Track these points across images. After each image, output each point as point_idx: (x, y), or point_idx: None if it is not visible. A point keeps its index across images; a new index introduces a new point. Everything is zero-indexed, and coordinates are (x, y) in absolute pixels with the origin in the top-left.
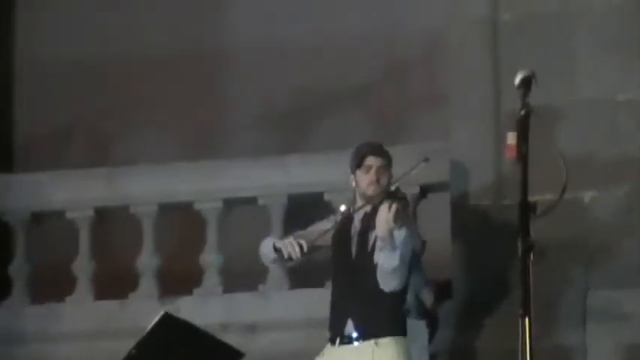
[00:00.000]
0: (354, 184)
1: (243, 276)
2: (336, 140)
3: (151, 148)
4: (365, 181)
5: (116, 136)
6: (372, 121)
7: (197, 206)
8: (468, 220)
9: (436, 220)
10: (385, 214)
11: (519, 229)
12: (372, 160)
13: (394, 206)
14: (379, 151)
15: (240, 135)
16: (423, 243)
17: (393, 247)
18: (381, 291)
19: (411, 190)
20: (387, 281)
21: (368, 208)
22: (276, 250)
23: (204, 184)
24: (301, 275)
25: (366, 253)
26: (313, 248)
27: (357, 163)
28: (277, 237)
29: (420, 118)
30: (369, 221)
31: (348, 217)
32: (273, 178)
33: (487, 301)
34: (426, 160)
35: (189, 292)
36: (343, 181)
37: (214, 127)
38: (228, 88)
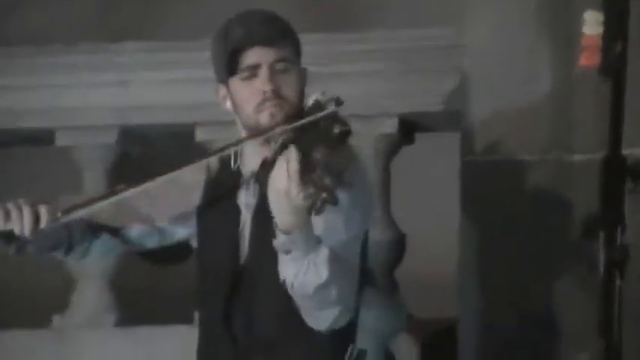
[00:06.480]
0: (227, 104)
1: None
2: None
3: None
4: (251, 98)
5: None
6: None
7: None
8: (493, 191)
9: (433, 184)
10: (284, 173)
11: (601, 216)
12: (257, 55)
13: (294, 153)
14: (270, 30)
15: None
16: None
17: (311, 244)
18: (308, 329)
19: (377, 124)
20: (311, 312)
21: (267, 153)
22: None
23: None
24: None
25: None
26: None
27: (229, 64)
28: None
29: None
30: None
31: (233, 173)
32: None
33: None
34: (338, 102)
35: None
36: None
37: None
38: None
